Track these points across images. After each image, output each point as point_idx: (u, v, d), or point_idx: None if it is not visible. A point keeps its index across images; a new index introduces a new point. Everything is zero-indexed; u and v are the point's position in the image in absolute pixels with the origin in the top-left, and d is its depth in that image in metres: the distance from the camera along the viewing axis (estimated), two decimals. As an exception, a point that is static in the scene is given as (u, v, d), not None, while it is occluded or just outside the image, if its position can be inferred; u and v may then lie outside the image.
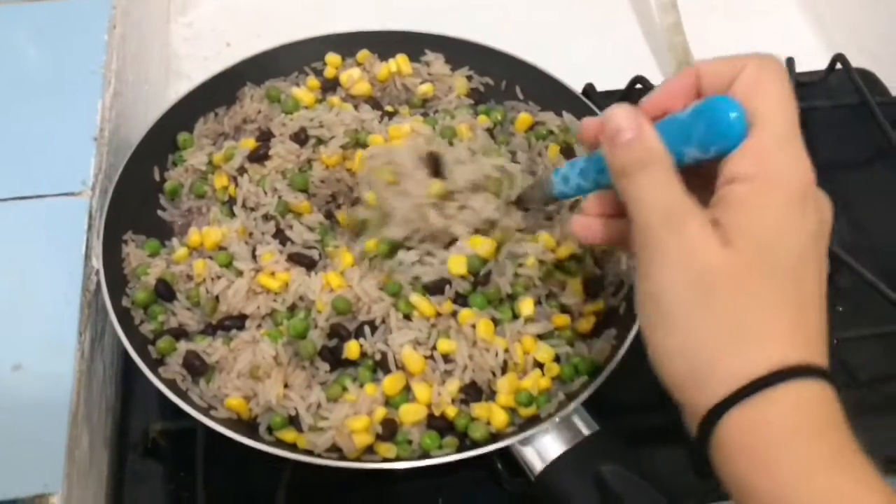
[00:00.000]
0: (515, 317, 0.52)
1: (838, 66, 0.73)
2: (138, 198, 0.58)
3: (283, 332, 0.50)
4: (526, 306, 0.52)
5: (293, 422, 0.49)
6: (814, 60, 0.78)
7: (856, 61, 0.74)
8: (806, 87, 0.72)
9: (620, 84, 0.73)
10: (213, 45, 0.90)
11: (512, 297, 0.53)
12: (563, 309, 0.54)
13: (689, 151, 0.37)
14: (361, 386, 0.49)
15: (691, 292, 0.34)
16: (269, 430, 0.49)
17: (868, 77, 0.74)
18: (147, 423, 0.54)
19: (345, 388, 0.49)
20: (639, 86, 0.70)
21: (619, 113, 0.37)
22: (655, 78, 0.77)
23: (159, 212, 0.59)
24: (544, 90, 0.64)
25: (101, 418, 0.53)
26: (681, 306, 0.34)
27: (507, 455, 0.50)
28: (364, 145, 0.58)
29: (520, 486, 0.51)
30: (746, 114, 0.35)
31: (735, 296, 0.34)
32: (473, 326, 0.50)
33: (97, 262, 0.54)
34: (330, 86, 0.64)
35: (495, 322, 0.51)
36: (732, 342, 0.34)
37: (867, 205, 0.67)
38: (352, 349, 0.49)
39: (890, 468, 0.54)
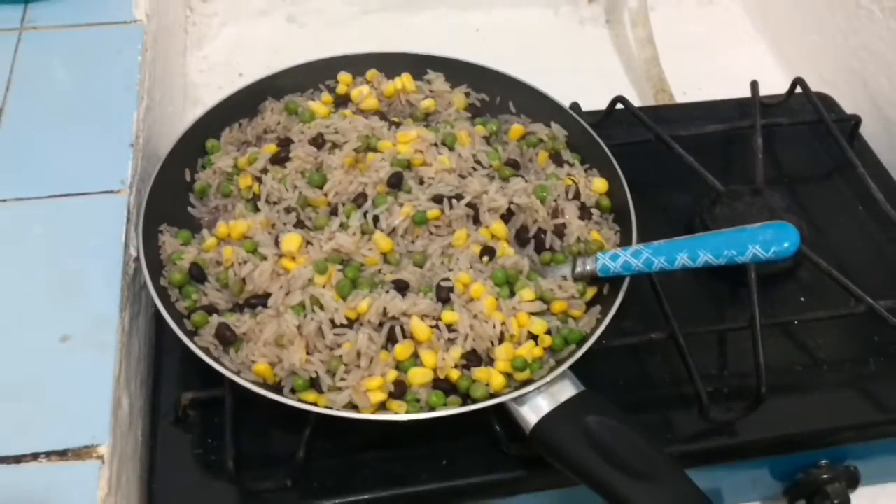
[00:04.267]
0: (512, 294, 0.58)
1: (798, 90, 0.80)
2: (172, 196, 0.64)
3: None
4: (527, 293, 0.58)
5: (314, 384, 0.55)
6: (778, 89, 0.86)
7: (814, 88, 0.82)
8: (769, 107, 0.80)
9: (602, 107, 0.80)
10: (226, 75, 0.97)
11: (510, 283, 0.59)
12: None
13: (751, 248, 0.53)
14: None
15: None
16: (293, 391, 0.55)
17: (825, 99, 0.82)
18: (177, 396, 0.59)
19: (359, 354, 0.55)
20: (619, 105, 0.78)
21: None
22: (634, 102, 0.84)
23: (189, 208, 0.65)
24: (534, 105, 0.71)
25: (136, 390, 0.59)
26: None
27: (504, 419, 0.56)
28: (375, 150, 0.65)
29: (517, 449, 0.57)
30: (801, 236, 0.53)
31: None
32: (471, 299, 0.56)
33: (135, 251, 0.60)
34: (342, 101, 0.71)
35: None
36: None
37: (825, 209, 0.75)
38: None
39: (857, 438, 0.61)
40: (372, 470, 0.57)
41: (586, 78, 0.95)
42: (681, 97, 0.94)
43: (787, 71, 0.97)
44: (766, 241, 0.54)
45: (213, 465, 0.57)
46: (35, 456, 0.49)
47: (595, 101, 0.79)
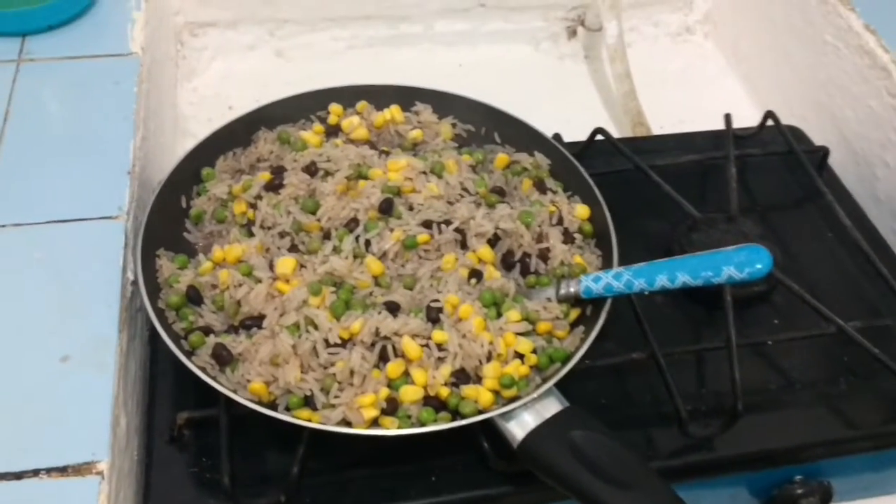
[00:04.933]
0: (499, 315, 0.61)
1: (769, 122, 0.84)
2: (168, 221, 0.66)
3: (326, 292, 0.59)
4: (513, 314, 0.61)
5: (308, 402, 0.56)
6: (751, 121, 0.90)
7: (785, 120, 0.86)
8: (742, 139, 0.83)
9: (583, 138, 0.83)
10: (216, 108, 0.99)
11: (497, 304, 0.62)
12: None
13: (726, 270, 0.56)
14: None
15: None
16: (288, 409, 0.56)
17: (795, 131, 0.86)
18: (172, 416, 0.61)
19: (353, 372, 0.57)
20: (599, 136, 0.81)
21: None
22: (613, 134, 0.88)
23: (185, 234, 0.67)
24: (518, 135, 0.74)
25: (132, 409, 0.60)
26: None
27: (492, 436, 0.57)
28: (365, 177, 0.67)
29: (504, 465, 0.58)
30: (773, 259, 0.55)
31: None
32: (460, 320, 0.59)
33: (132, 275, 0.62)
34: (333, 131, 0.74)
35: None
36: None
37: (797, 236, 0.78)
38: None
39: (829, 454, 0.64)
40: (364, 486, 0.58)
41: (567, 110, 0.97)
42: (657, 130, 0.97)
43: (759, 104, 1.01)
44: (740, 262, 0.57)
45: (208, 482, 0.58)
46: (36, 472, 0.51)
47: (576, 133, 0.82)
